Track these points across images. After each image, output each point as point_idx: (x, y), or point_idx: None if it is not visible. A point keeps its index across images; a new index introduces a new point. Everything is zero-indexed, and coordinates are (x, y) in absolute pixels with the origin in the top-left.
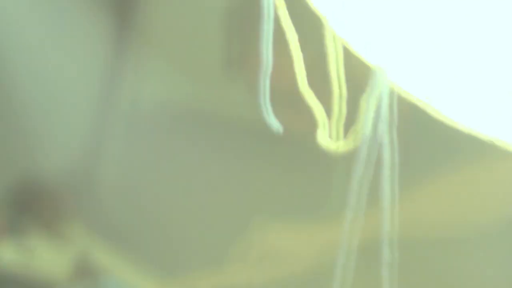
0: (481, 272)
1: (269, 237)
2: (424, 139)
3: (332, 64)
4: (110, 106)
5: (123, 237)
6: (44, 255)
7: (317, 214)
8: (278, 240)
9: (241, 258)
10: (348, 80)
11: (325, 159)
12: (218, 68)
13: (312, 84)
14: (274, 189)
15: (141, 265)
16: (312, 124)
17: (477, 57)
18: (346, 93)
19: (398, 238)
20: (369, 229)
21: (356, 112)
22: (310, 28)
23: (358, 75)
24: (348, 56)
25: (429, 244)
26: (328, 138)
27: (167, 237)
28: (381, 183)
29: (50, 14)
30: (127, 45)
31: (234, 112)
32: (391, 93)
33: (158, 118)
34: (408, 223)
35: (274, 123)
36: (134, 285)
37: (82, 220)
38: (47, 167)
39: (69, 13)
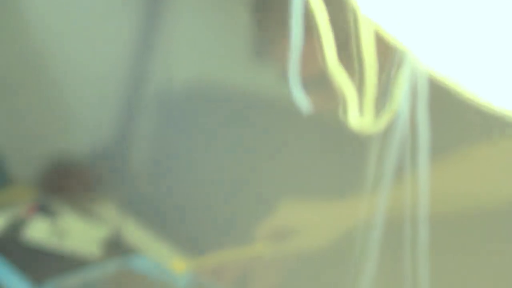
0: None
1: (295, 214)
2: (450, 119)
3: (363, 44)
4: (141, 85)
5: (154, 216)
6: (76, 234)
7: (345, 192)
8: (304, 217)
9: (268, 235)
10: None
11: (355, 139)
12: (249, 49)
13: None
14: (303, 168)
15: (171, 244)
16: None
17: (508, 37)
18: (376, 74)
19: (428, 215)
20: (397, 206)
21: (383, 93)
22: (336, 10)
23: (382, 56)
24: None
25: (458, 220)
26: (359, 117)
27: (196, 216)
28: (411, 161)
29: None
30: (158, 24)
31: (265, 93)
32: (421, 73)
33: (189, 98)
34: (436, 200)
35: (303, 103)
36: (165, 264)
37: (114, 199)
38: (79, 147)
39: None
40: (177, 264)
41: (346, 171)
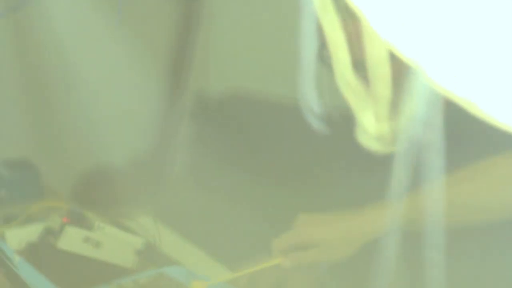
0: None
1: (313, 228)
2: (463, 136)
3: (376, 60)
4: (176, 96)
5: (188, 227)
6: (111, 245)
7: (363, 205)
8: (323, 231)
9: (286, 249)
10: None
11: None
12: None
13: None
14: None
15: (205, 254)
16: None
17: None
18: (389, 94)
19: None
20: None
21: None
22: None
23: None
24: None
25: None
26: (371, 138)
27: (229, 228)
28: (426, 173)
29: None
30: (195, 30)
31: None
32: (433, 92)
33: (226, 107)
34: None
35: (316, 123)
36: (199, 274)
37: (149, 210)
38: (115, 159)
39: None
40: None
41: (365, 186)
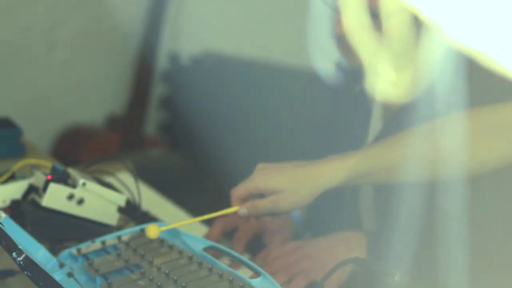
0: None
1: (270, 176)
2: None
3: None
4: (152, 56)
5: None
6: (94, 202)
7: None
8: (279, 179)
9: (243, 197)
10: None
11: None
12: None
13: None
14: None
15: (182, 210)
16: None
17: None
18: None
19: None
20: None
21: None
22: None
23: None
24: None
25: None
26: (388, 86)
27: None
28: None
29: None
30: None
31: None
32: (448, 46)
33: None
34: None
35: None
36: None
37: (129, 166)
38: (93, 118)
39: None
40: (151, 231)
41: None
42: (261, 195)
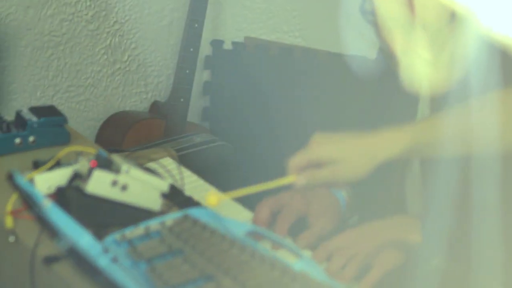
0: None
1: (327, 146)
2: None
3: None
4: (194, 46)
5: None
6: (138, 187)
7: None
8: (336, 150)
9: (300, 167)
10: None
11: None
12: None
13: None
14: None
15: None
16: None
17: None
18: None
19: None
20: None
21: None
22: None
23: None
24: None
25: None
26: (423, 76)
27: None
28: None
29: None
30: None
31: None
32: (483, 34)
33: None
34: None
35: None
36: (222, 215)
37: (172, 153)
38: (136, 106)
39: None
40: (211, 199)
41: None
42: (318, 165)
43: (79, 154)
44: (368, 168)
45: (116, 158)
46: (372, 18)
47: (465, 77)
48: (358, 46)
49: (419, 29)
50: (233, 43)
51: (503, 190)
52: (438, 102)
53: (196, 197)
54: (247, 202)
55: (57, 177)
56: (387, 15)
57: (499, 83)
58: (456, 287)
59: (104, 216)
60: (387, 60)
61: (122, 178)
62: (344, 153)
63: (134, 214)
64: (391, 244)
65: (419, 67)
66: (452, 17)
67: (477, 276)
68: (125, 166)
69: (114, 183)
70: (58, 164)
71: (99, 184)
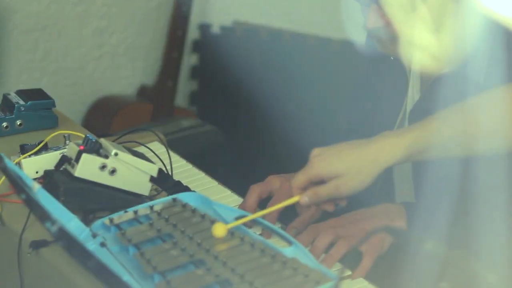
0: None
1: (328, 162)
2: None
3: None
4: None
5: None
6: (127, 172)
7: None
8: (338, 164)
9: (304, 186)
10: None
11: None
12: None
13: None
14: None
15: (214, 180)
16: None
17: None
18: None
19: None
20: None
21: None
22: None
23: None
24: None
25: None
26: (424, 53)
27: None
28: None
29: None
30: None
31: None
32: (485, 16)
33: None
34: None
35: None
36: (211, 199)
37: (161, 137)
38: (124, 90)
39: None
40: (218, 230)
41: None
42: (321, 182)
43: (67, 138)
44: (372, 177)
45: (104, 142)
46: None
47: (465, 59)
48: (348, 30)
49: (419, 7)
50: (221, 28)
51: (503, 177)
52: (434, 84)
53: (184, 181)
54: (236, 187)
55: (45, 161)
56: None
57: (503, 72)
58: (454, 273)
59: (93, 200)
60: (375, 43)
61: (110, 162)
62: (346, 166)
63: (123, 199)
64: (379, 229)
65: (418, 46)
66: (456, 2)
67: (475, 262)
68: (114, 150)
69: (103, 167)
70: (46, 148)
71: (88, 168)
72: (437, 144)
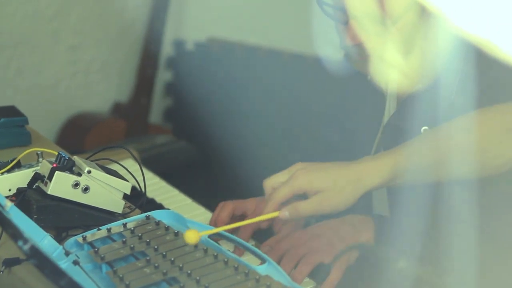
0: None
1: (311, 177)
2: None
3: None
4: (157, 44)
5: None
6: (100, 189)
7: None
8: (320, 179)
9: (285, 200)
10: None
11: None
12: None
13: None
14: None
15: (188, 198)
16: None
17: None
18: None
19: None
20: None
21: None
22: None
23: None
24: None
25: None
26: (397, 73)
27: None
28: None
29: None
30: None
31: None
32: (456, 34)
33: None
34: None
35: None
36: (185, 217)
37: (135, 154)
38: (97, 106)
39: None
40: (190, 236)
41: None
42: (303, 196)
43: (40, 155)
44: (355, 197)
45: (77, 159)
46: (331, 11)
47: (436, 77)
48: (324, 46)
49: (390, 26)
50: (196, 44)
51: (477, 195)
52: (407, 101)
53: (158, 199)
54: (210, 204)
55: (17, 179)
56: (358, 11)
57: (474, 89)
58: None
59: (66, 218)
60: (351, 61)
61: (84, 180)
62: (331, 182)
63: (96, 216)
64: (350, 247)
65: (389, 65)
66: (424, 15)
67: (447, 279)
68: (87, 168)
69: (76, 185)
70: (18, 166)
71: (61, 185)
72: (411, 170)
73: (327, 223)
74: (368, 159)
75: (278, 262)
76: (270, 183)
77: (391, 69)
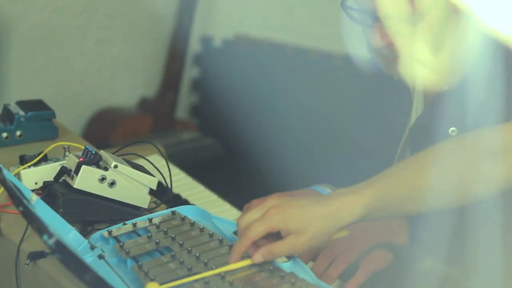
0: None
1: (286, 216)
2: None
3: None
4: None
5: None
6: (126, 184)
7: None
8: (296, 219)
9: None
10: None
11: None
12: None
13: None
14: None
15: (213, 193)
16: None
17: None
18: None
19: None
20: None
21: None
22: None
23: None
24: None
25: None
26: (425, 70)
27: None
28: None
29: None
30: None
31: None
32: (485, 33)
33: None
34: None
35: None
36: (210, 212)
37: (161, 150)
38: (125, 101)
39: None
40: None
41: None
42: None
43: (66, 149)
44: (330, 235)
45: (104, 154)
46: (356, 15)
47: (464, 76)
48: (354, 44)
49: (420, 25)
50: (223, 41)
51: (502, 196)
52: (434, 102)
53: (184, 194)
54: (236, 200)
55: (44, 172)
56: (389, 9)
57: (503, 89)
58: None
59: (92, 212)
60: (378, 59)
61: (110, 174)
62: (306, 224)
63: (122, 211)
64: (378, 245)
65: (419, 62)
66: (452, 12)
67: (474, 280)
68: (113, 162)
69: (102, 179)
70: (45, 159)
71: (87, 180)
72: (388, 204)
73: (363, 224)
74: (344, 194)
75: (314, 261)
76: (243, 221)
77: (421, 66)
